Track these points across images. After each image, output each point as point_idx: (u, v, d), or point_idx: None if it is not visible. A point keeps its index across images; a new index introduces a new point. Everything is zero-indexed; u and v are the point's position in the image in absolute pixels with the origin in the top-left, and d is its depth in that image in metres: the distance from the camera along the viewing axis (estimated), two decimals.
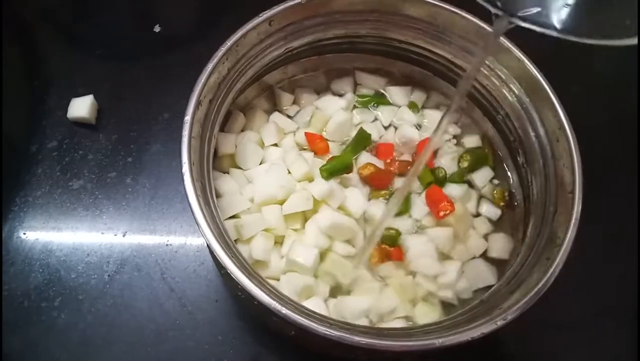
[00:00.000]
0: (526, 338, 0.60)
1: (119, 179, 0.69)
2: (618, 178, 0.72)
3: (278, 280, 0.52)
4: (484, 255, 0.58)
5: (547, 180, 0.53)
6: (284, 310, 0.40)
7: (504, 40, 0.54)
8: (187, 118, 0.47)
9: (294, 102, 0.65)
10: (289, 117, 0.64)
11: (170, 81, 0.75)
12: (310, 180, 0.56)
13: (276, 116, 0.63)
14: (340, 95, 0.66)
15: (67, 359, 0.58)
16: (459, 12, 0.56)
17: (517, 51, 0.54)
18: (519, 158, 0.59)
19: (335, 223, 0.53)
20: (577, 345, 0.61)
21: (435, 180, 0.60)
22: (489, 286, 0.53)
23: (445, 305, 0.54)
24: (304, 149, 0.61)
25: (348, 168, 0.57)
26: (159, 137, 0.72)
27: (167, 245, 0.64)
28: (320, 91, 0.66)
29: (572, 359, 0.62)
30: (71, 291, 0.61)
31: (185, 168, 0.44)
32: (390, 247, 0.55)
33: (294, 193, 0.54)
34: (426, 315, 0.52)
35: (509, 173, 0.62)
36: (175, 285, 0.62)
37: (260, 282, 0.42)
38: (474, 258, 0.57)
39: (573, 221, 0.47)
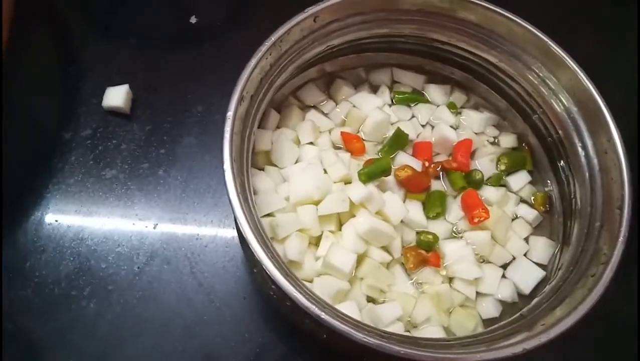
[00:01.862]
0: (563, 355, 0.59)
1: (151, 170, 0.69)
2: None
3: (311, 281, 0.52)
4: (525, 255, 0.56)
5: (594, 193, 0.52)
6: (323, 315, 0.40)
7: (557, 49, 0.54)
8: (230, 114, 0.47)
9: (330, 97, 0.65)
10: (324, 114, 0.64)
11: (204, 73, 0.75)
12: (347, 182, 0.56)
13: (312, 114, 0.62)
14: (377, 88, 0.65)
15: (94, 349, 0.59)
16: (509, 15, 0.56)
17: (569, 61, 0.54)
18: (560, 167, 0.59)
19: (373, 229, 0.52)
20: None
21: (471, 183, 0.59)
22: (530, 296, 0.52)
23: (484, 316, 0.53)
24: (339, 148, 0.61)
25: (387, 172, 0.57)
26: (192, 129, 0.72)
27: (197, 239, 0.65)
28: (357, 84, 0.66)
29: None
30: (101, 281, 0.62)
31: (227, 165, 0.44)
32: (427, 252, 0.54)
33: (330, 195, 0.54)
34: (462, 324, 0.51)
35: (548, 180, 0.62)
36: (204, 280, 0.62)
37: (297, 283, 0.42)
38: (514, 260, 0.56)
39: (621, 239, 0.45)
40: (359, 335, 0.40)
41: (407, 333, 0.50)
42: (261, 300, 0.61)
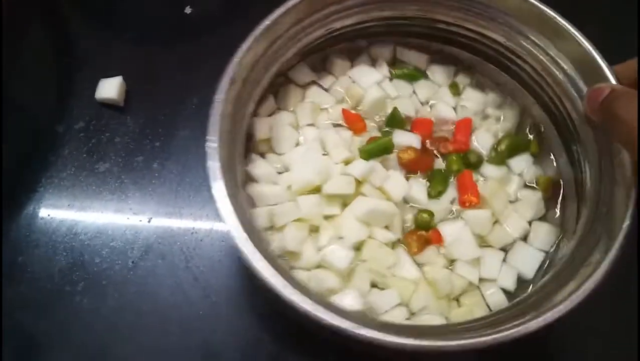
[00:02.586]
0: (568, 341, 0.61)
1: (146, 164, 0.71)
2: None
3: (309, 270, 0.54)
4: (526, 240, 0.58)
5: (602, 177, 0.53)
6: (312, 312, 0.42)
7: (566, 25, 0.55)
8: (218, 96, 0.49)
9: (327, 70, 0.66)
10: (324, 89, 0.65)
11: (200, 65, 0.77)
12: (349, 162, 0.58)
13: (312, 90, 0.64)
14: (376, 60, 0.66)
15: (89, 344, 0.61)
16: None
17: (583, 40, 0.54)
18: (573, 150, 0.59)
19: (373, 210, 0.54)
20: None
21: (468, 165, 0.61)
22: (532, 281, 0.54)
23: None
24: (339, 125, 0.63)
25: (389, 151, 0.59)
26: (187, 122, 0.74)
27: (192, 233, 0.67)
28: (354, 56, 0.67)
29: None
30: (95, 276, 0.64)
31: (210, 145, 0.46)
32: (426, 232, 0.56)
33: (335, 177, 0.56)
34: (472, 313, 0.53)
35: (559, 163, 0.62)
36: (200, 274, 0.64)
37: (287, 278, 0.44)
38: (515, 242, 0.57)
39: (626, 224, 0.46)
40: (353, 331, 0.41)
41: (407, 322, 0.52)
42: (257, 294, 0.63)
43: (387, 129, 0.62)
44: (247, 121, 0.56)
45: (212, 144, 0.47)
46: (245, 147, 0.58)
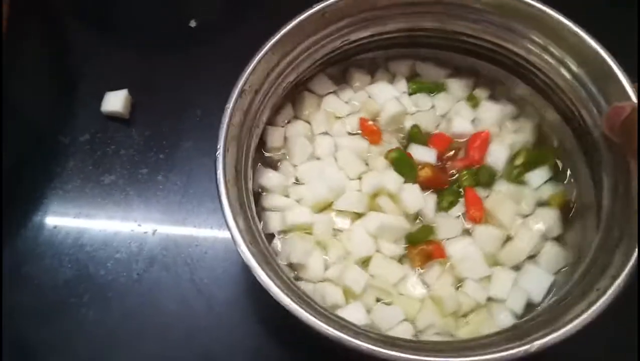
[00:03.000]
0: None
1: (150, 176, 0.73)
2: None
3: (314, 283, 0.56)
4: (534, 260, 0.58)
5: (616, 200, 0.52)
6: (317, 325, 0.43)
7: (588, 39, 0.54)
8: (229, 105, 0.51)
9: (347, 82, 0.68)
10: (341, 100, 0.67)
11: (204, 78, 0.79)
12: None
13: (329, 98, 0.66)
14: (394, 76, 0.68)
15: (94, 356, 0.63)
16: (535, 4, 0.56)
17: (602, 52, 0.53)
18: (596, 170, 0.57)
19: (385, 225, 0.56)
20: None
21: (480, 182, 0.61)
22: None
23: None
24: (355, 134, 0.65)
25: (411, 177, 0.60)
26: (191, 134, 0.76)
27: (196, 245, 0.69)
28: (373, 71, 0.68)
29: None
30: (100, 288, 0.66)
31: (220, 152, 0.49)
32: (427, 246, 0.57)
33: (348, 192, 0.58)
34: (469, 334, 0.53)
35: (571, 180, 0.61)
36: (204, 286, 0.66)
37: (292, 290, 0.46)
38: (526, 261, 0.57)
39: (636, 251, 0.45)
40: (355, 342, 0.42)
41: (411, 338, 0.53)
42: (261, 306, 0.64)
43: (406, 143, 0.64)
44: (261, 130, 0.58)
45: (220, 154, 0.49)
46: (260, 156, 0.61)
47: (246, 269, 0.63)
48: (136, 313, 0.64)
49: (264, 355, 0.62)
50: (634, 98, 0.50)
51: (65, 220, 0.69)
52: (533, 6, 0.56)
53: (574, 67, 0.57)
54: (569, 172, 0.62)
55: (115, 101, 0.75)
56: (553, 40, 0.57)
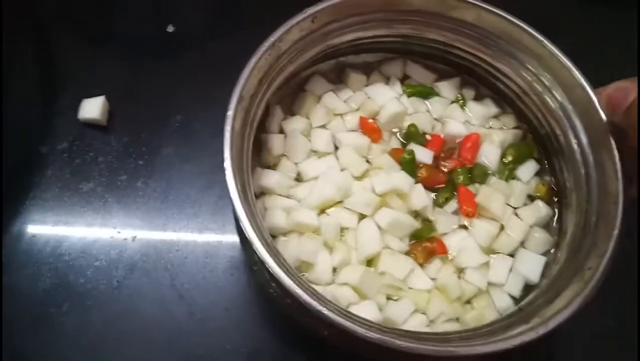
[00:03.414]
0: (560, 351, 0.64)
1: (130, 182, 0.73)
2: None
3: (324, 286, 0.57)
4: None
5: (590, 189, 0.57)
6: (325, 310, 0.44)
7: (550, 45, 0.59)
8: (230, 113, 0.51)
9: (344, 83, 0.70)
10: (340, 99, 0.69)
11: (183, 83, 0.80)
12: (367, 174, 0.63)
13: (328, 96, 0.68)
14: (388, 79, 0.71)
15: None
16: (505, 15, 0.61)
17: (563, 57, 0.59)
18: (557, 164, 0.64)
19: (396, 221, 0.58)
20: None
21: (475, 178, 0.64)
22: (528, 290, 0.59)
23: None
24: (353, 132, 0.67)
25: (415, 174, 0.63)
26: (170, 139, 0.76)
27: (176, 250, 0.69)
28: (368, 72, 0.71)
29: None
30: (80, 296, 0.65)
31: (227, 163, 0.49)
32: (430, 243, 0.59)
33: (358, 192, 0.60)
34: (482, 316, 0.56)
35: (546, 177, 0.66)
36: (185, 292, 0.66)
37: (299, 280, 0.47)
38: (519, 247, 0.61)
39: (616, 232, 0.50)
40: (360, 330, 0.44)
41: (426, 330, 0.56)
42: (244, 311, 0.65)
43: (405, 142, 0.67)
44: (253, 135, 0.59)
45: (228, 163, 0.49)
46: (258, 158, 0.63)
47: (227, 273, 0.65)
48: (117, 321, 0.63)
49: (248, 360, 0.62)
50: (594, 98, 0.55)
51: (44, 228, 0.68)
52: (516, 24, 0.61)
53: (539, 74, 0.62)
54: (546, 163, 0.66)
55: (92, 108, 0.74)
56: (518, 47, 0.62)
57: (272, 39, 0.56)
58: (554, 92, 0.61)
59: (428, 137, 0.67)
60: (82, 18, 0.86)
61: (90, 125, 0.75)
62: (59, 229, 0.68)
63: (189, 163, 0.74)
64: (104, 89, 0.77)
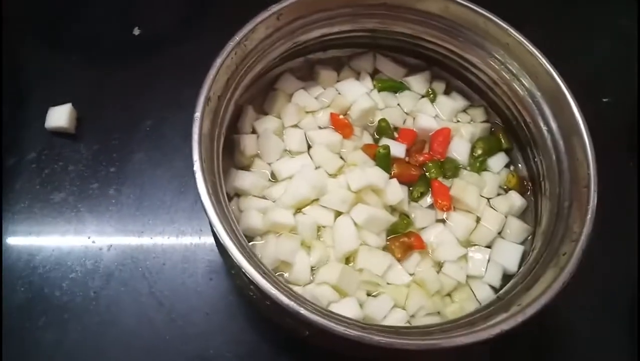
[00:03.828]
0: (537, 336, 0.64)
1: (102, 190, 0.72)
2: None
3: (303, 286, 0.57)
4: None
5: (561, 174, 0.58)
6: (302, 310, 0.44)
7: (516, 34, 0.60)
8: (197, 114, 0.51)
9: (314, 80, 0.70)
10: (311, 96, 0.69)
11: (151, 86, 0.79)
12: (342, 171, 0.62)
13: (299, 94, 0.67)
14: (359, 74, 0.71)
15: None
16: (471, 5, 0.61)
17: (529, 45, 0.59)
18: (529, 152, 0.64)
19: (373, 217, 0.58)
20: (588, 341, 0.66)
21: (447, 171, 0.64)
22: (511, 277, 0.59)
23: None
24: (325, 128, 0.66)
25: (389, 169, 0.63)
26: (141, 145, 0.75)
27: (154, 257, 0.68)
28: (338, 69, 0.71)
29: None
30: (56, 309, 0.64)
31: (197, 166, 0.48)
32: (407, 238, 0.59)
33: (333, 190, 0.59)
34: (463, 309, 0.56)
35: (518, 165, 0.67)
36: (164, 298, 0.66)
37: (276, 281, 0.46)
38: (496, 238, 0.61)
39: (589, 216, 0.51)
40: (339, 328, 0.43)
41: (406, 324, 0.56)
42: (225, 315, 0.65)
43: (377, 137, 0.67)
44: (224, 136, 0.58)
45: (198, 166, 0.48)
46: (231, 159, 0.62)
47: (207, 277, 0.64)
48: (95, 332, 0.62)
49: None
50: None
51: (16, 243, 0.66)
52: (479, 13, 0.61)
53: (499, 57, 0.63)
54: (520, 154, 0.67)
55: (59, 116, 0.73)
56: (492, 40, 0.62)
57: (237, 38, 0.55)
58: (522, 80, 0.62)
59: (395, 134, 0.67)
60: (44, 23, 0.84)
61: (58, 133, 0.74)
62: (32, 241, 0.67)
63: (161, 168, 0.73)
64: (71, 96, 0.75)
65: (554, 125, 0.59)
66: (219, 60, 0.54)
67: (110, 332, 0.62)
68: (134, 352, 0.61)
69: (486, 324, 0.47)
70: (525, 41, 0.59)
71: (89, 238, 0.67)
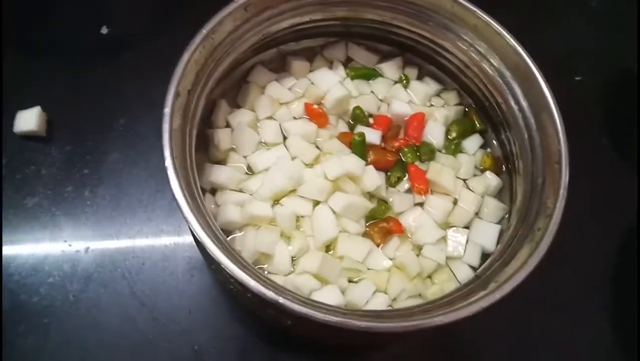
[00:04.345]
0: (515, 314, 0.64)
1: (77, 193, 0.71)
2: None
3: (284, 276, 0.57)
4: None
5: (534, 152, 0.58)
6: (280, 299, 0.43)
7: (483, 15, 0.60)
8: (167, 110, 0.50)
9: (287, 71, 0.70)
10: (284, 87, 0.69)
11: (123, 85, 0.78)
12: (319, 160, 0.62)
13: (272, 86, 0.67)
14: (331, 63, 0.71)
15: None
16: None
17: (496, 25, 0.60)
18: (502, 131, 0.65)
19: (351, 204, 0.58)
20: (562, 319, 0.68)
21: (423, 155, 0.65)
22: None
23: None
24: (299, 119, 0.67)
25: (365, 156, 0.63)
26: (115, 144, 0.74)
27: (133, 257, 0.68)
28: (311, 58, 0.71)
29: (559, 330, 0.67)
30: (35, 315, 0.63)
31: (169, 162, 0.47)
32: (387, 223, 0.59)
33: (310, 180, 0.59)
34: (443, 290, 0.57)
35: (493, 144, 0.68)
36: (146, 298, 0.65)
37: (255, 273, 0.46)
38: (474, 218, 0.62)
39: (562, 191, 0.51)
40: (319, 315, 0.43)
41: (388, 308, 0.56)
42: (208, 312, 0.65)
43: (352, 124, 0.67)
44: (196, 130, 0.58)
45: (169, 162, 0.48)
46: (205, 154, 0.61)
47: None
48: (77, 336, 0.61)
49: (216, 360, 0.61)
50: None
51: None
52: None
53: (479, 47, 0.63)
54: (494, 136, 0.68)
55: (28, 119, 0.71)
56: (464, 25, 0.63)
57: (204, 31, 0.55)
58: (492, 60, 0.62)
59: (370, 121, 0.67)
60: (6, 24, 0.81)
61: (28, 137, 0.73)
62: (6, 249, 0.66)
63: (137, 167, 0.72)
64: (40, 98, 0.74)
65: (524, 103, 0.60)
66: (186, 55, 0.53)
67: (93, 334, 0.62)
68: (117, 352, 0.61)
69: (465, 302, 0.47)
70: (492, 22, 0.60)
71: (65, 241, 0.67)
